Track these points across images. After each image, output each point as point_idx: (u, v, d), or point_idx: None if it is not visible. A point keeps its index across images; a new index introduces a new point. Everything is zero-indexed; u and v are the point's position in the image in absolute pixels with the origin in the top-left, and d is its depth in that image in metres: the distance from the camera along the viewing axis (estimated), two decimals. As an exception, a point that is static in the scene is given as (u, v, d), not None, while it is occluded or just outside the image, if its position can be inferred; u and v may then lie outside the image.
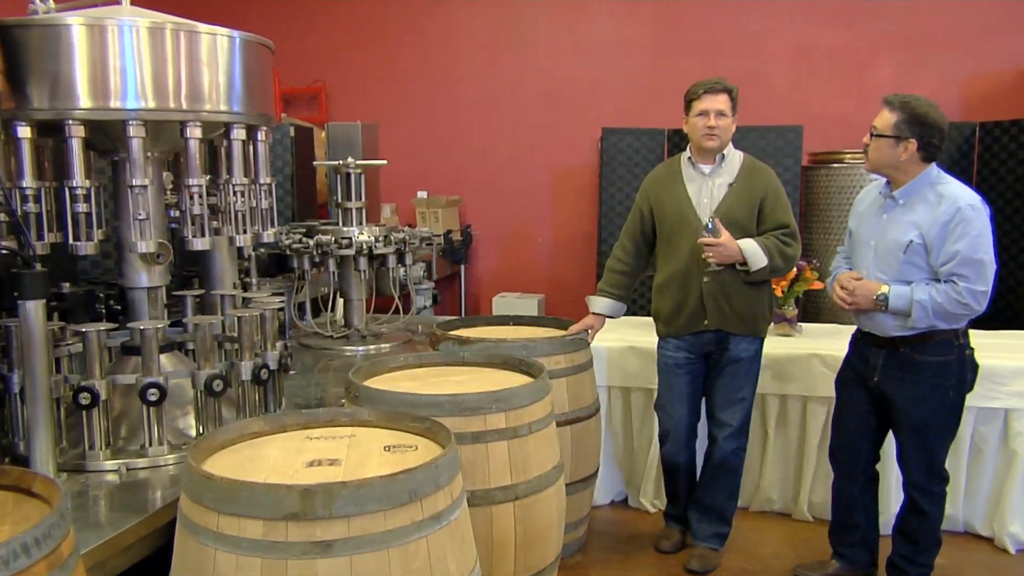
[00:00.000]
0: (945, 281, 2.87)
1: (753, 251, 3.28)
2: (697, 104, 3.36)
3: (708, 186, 3.41)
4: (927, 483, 3.06)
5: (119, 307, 2.74)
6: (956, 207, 2.86)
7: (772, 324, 4.19)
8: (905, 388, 3.01)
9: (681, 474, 3.60)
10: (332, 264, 3.80)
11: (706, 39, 6.43)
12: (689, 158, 3.47)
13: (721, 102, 3.33)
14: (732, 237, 3.26)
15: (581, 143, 6.73)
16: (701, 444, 3.61)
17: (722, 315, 3.37)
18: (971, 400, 3.59)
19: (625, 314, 3.69)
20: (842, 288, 3.07)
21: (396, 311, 4.18)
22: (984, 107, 5.92)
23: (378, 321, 4.25)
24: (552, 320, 3.73)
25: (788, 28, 6.31)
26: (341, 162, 3.95)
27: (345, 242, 3.76)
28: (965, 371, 2.97)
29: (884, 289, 2.93)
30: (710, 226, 3.26)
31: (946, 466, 3.09)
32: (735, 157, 3.46)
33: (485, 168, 7.06)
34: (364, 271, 3.87)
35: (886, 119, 2.95)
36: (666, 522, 3.75)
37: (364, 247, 3.77)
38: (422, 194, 6.87)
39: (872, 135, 2.99)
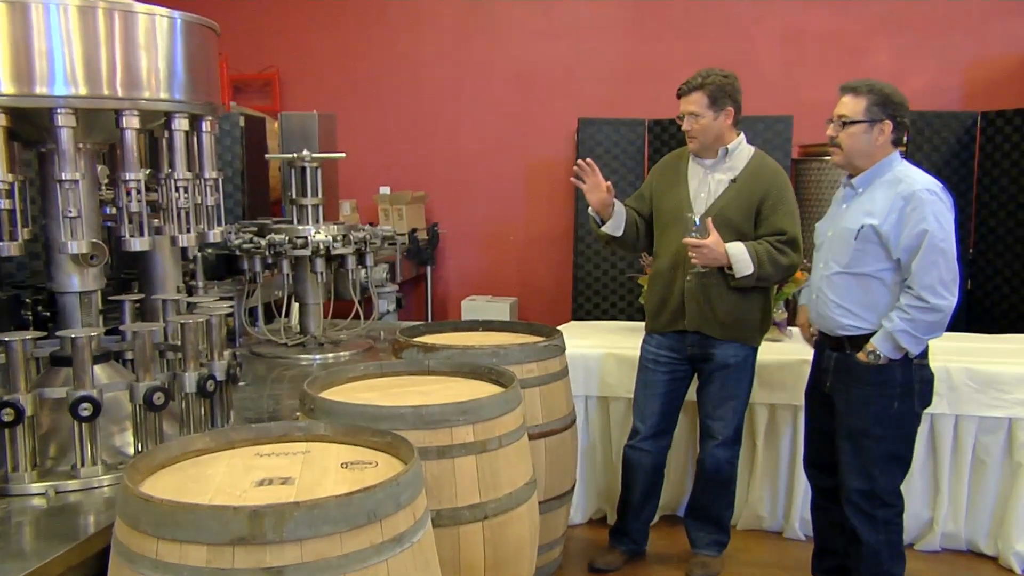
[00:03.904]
0: (904, 292, 2.92)
1: (740, 256, 3.33)
2: (679, 107, 3.49)
3: (708, 181, 3.50)
4: (865, 504, 3.02)
5: (48, 313, 2.71)
6: (911, 191, 2.90)
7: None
8: (848, 394, 3.04)
9: (641, 478, 3.65)
10: (286, 266, 3.77)
11: (689, 22, 6.47)
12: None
13: (691, 103, 3.44)
14: (720, 239, 3.31)
15: (556, 135, 6.73)
16: (676, 457, 3.64)
17: (702, 317, 3.44)
18: (973, 409, 3.67)
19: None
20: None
21: (356, 316, 4.15)
22: (986, 95, 5.99)
23: (336, 327, 4.23)
24: (525, 325, 3.72)
25: (777, 11, 6.37)
26: (296, 155, 3.93)
27: (300, 242, 3.74)
28: (912, 381, 2.96)
29: (871, 346, 2.95)
30: (697, 223, 3.31)
31: (902, 494, 3.05)
32: (743, 152, 3.52)
33: (453, 162, 7.05)
34: (321, 273, 3.84)
35: (854, 105, 3.01)
36: (610, 539, 3.79)
37: (321, 247, 3.75)
38: (384, 190, 6.85)
39: (843, 123, 3.02)
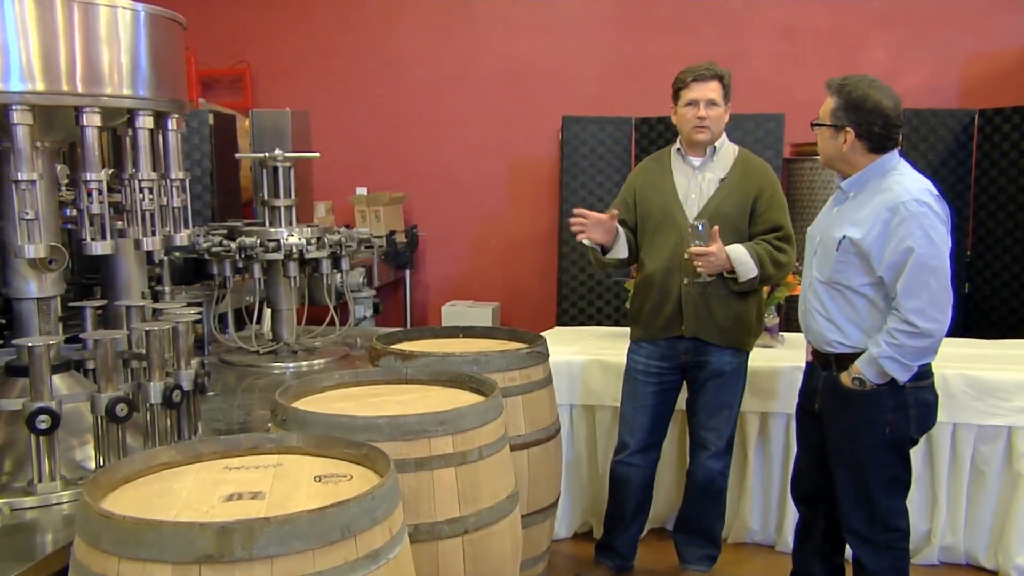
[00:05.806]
0: (891, 314, 2.79)
1: (743, 260, 3.33)
2: (686, 93, 3.44)
3: (697, 180, 3.49)
4: (868, 531, 2.93)
5: (3, 321, 2.68)
6: (898, 201, 2.75)
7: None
8: (838, 418, 2.96)
9: (630, 495, 3.65)
10: (258, 270, 3.76)
11: (679, 17, 6.50)
12: (678, 150, 3.55)
13: (712, 90, 3.41)
14: (722, 245, 3.30)
15: (540, 133, 6.74)
16: (665, 468, 3.64)
17: (700, 322, 3.43)
18: (971, 417, 3.68)
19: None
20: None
21: (331, 323, 4.14)
22: (984, 93, 6.04)
23: (311, 334, 4.22)
24: (507, 331, 3.71)
25: (770, 5, 6.40)
26: (268, 154, 3.91)
27: (272, 245, 3.72)
28: (906, 407, 2.85)
29: (856, 371, 2.86)
30: (700, 228, 3.28)
31: (907, 514, 2.98)
32: (729, 150, 3.52)
33: (432, 162, 7.04)
34: (294, 277, 3.83)
35: (825, 105, 2.89)
36: (597, 554, 3.79)
37: (294, 250, 3.73)
38: (361, 190, 6.84)
39: (812, 124, 2.94)
